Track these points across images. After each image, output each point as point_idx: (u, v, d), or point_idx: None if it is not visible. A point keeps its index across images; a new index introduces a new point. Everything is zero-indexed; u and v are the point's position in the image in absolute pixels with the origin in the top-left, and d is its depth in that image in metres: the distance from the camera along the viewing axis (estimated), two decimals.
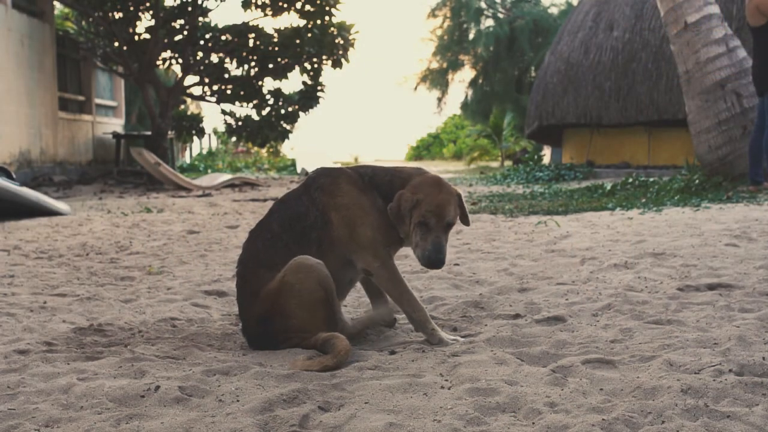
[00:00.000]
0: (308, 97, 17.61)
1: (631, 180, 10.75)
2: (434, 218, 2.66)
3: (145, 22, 16.78)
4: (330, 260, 2.73)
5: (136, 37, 16.57)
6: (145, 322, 3.24)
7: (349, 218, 2.76)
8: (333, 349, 2.52)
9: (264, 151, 28.97)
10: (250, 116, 18.04)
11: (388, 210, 2.74)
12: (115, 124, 20.08)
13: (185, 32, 16.53)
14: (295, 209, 2.83)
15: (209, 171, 20.96)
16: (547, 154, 21.56)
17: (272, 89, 17.71)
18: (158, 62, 17.02)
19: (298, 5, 16.46)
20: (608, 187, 10.35)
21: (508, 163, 27.22)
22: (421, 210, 2.65)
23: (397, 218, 2.71)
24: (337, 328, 2.71)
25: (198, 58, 17.16)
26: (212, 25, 17.09)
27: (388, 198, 2.77)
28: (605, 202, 8.50)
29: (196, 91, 17.66)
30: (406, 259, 4.85)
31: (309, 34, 16.60)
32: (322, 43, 16.56)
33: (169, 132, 17.57)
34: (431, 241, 2.64)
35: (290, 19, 21.88)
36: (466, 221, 2.81)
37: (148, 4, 15.95)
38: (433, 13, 27.43)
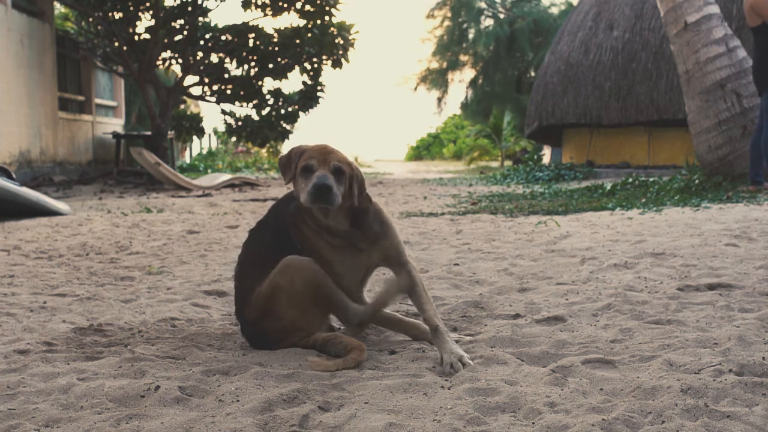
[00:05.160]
0: (308, 97, 17.62)
1: (631, 180, 10.76)
2: (317, 161, 2.59)
3: (145, 22, 16.80)
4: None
5: (136, 37, 16.57)
6: (145, 322, 3.24)
7: (321, 260, 2.70)
8: (345, 350, 2.51)
9: (264, 151, 28.98)
10: (250, 116, 18.05)
11: (277, 163, 2.70)
12: (115, 124, 20.07)
13: (185, 32, 16.53)
14: (282, 227, 2.79)
15: (209, 171, 20.94)
16: (547, 154, 21.57)
17: (272, 89, 17.72)
18: (158, 62, 17.02)
19: (298, 5, 16.46)
20: (608, 187, 10.35)
21: (508, 163, 27.27)
22: (305, 156, 2.62)
23: (284, 168, 2.68)
24: (347, 316, 2.69)
25: (198, 58, 17.16)
26: (212, 25, 17.09)
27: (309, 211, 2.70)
28: (605, 202, 8.50)
29: (196, 91, 17.66)
30: None
31: (309, 34, 16.61)
32: (322, 43, 16.57)
33: (169, 132, 17.57)
34: (315, 177, 2.55)
35: (290, 19, 21.94)
36: (360, 198, 2.65)
37: (148, 4, 15.94)
38: (432, 14, 27.45)
